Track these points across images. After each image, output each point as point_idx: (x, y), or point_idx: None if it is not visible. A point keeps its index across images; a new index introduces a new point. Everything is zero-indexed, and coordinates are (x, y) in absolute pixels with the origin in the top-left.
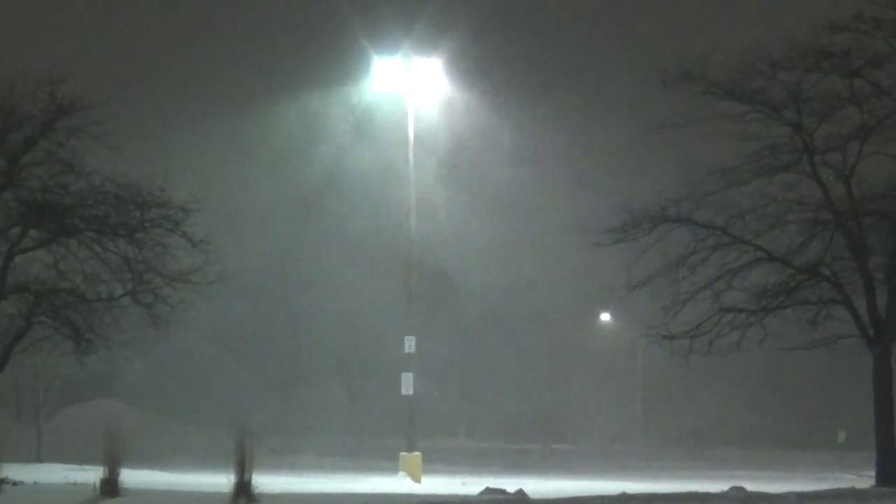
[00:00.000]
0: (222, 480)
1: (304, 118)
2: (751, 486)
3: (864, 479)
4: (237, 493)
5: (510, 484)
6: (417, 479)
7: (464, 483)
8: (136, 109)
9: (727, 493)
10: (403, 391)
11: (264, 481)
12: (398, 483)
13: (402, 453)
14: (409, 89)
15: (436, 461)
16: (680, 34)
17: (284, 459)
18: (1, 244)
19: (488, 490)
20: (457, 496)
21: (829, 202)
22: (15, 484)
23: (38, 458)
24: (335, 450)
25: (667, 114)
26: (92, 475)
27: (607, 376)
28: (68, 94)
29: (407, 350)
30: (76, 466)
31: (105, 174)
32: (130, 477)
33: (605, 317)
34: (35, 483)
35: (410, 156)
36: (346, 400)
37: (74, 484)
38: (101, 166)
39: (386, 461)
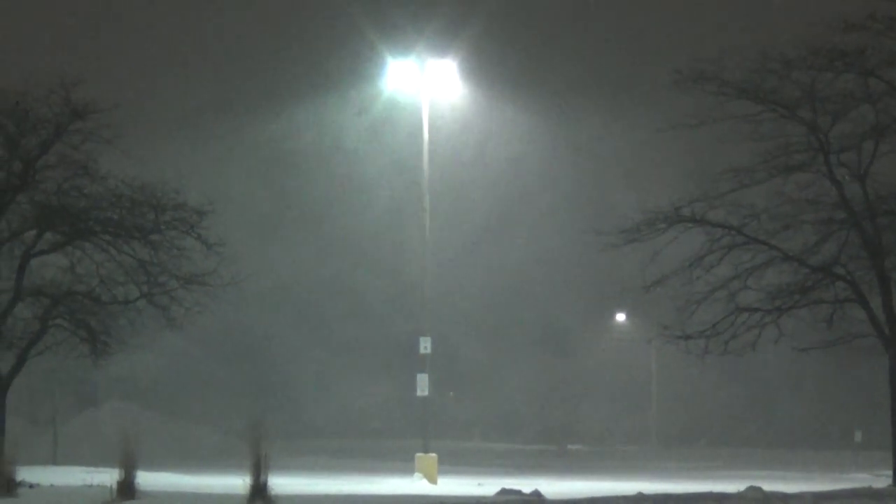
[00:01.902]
0: (237, 482)
1: (317, 120)
2: (767, 486)
3: (880, 479)
4: (253, 494)
5: (526, 485)
6: (433, 480)
7: (480, 484)
8: (149, 113)
9: (744, 492)
10: (419, 392)
11: (280, 483)
12: (414, 484)
13: (418, 454)
14: (423, 90)
15: (451, 462)
16: (693, 34)
17: (299, 461)
18: (16, 247)
19: (504, 491)
20: (473, 497)
21: (844, 202)
22: (31, 486)
23: (55, 460)
24: (351, 451)
25: (680, 114)
26: (108, 477)
27: (622, 377)
28: (82, 97)
29: (422, 351)
30: (92, 469)
31: (119, 177)
32: (146, 479)
33: (621, 317)
34: (52, 485)
35: (425, 156)
36: (361, 401)
37: (91, 486)
38: (115, 169)
39: (402, 462)
